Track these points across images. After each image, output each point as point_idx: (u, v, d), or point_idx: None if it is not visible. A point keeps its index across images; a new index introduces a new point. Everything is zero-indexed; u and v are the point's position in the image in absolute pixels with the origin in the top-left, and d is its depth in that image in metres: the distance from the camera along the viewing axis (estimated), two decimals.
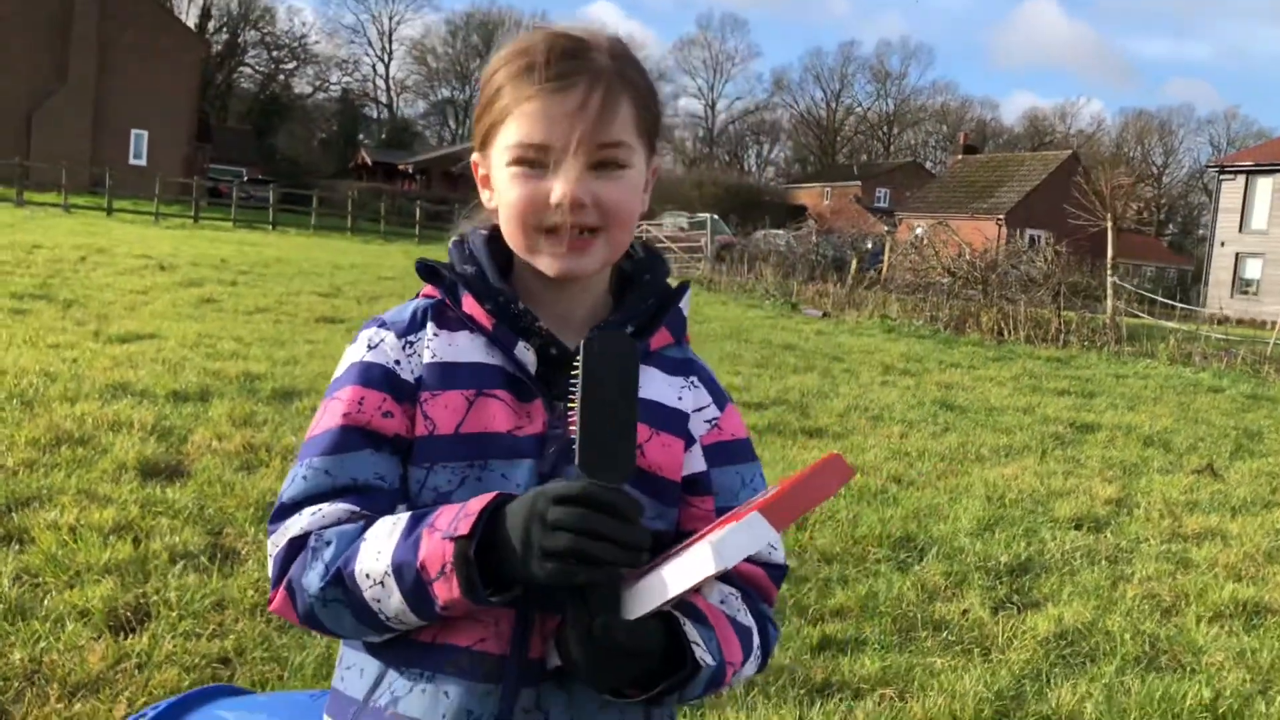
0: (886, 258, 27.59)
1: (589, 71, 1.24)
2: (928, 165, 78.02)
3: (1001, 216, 48.11)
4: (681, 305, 1.39)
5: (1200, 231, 62.22)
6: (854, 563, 4.96)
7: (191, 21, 65.13)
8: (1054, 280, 19.34)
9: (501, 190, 1.27)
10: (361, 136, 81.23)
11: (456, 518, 1.12)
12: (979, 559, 5.18)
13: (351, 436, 1.24)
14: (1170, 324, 19.70)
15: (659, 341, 1.36)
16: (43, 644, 3.30)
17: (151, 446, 5.57)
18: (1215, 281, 40.46)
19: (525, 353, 1.26)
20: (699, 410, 1.37)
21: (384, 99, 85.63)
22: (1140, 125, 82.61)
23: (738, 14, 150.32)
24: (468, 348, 1.28)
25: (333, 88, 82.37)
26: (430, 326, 1.30)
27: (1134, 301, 22.16)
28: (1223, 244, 41.26)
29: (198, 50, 49.60)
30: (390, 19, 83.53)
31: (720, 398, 1.41)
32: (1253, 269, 40.59)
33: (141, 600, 3.70)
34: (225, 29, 73.85)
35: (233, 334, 9.82)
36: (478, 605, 1.12)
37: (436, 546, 1.11)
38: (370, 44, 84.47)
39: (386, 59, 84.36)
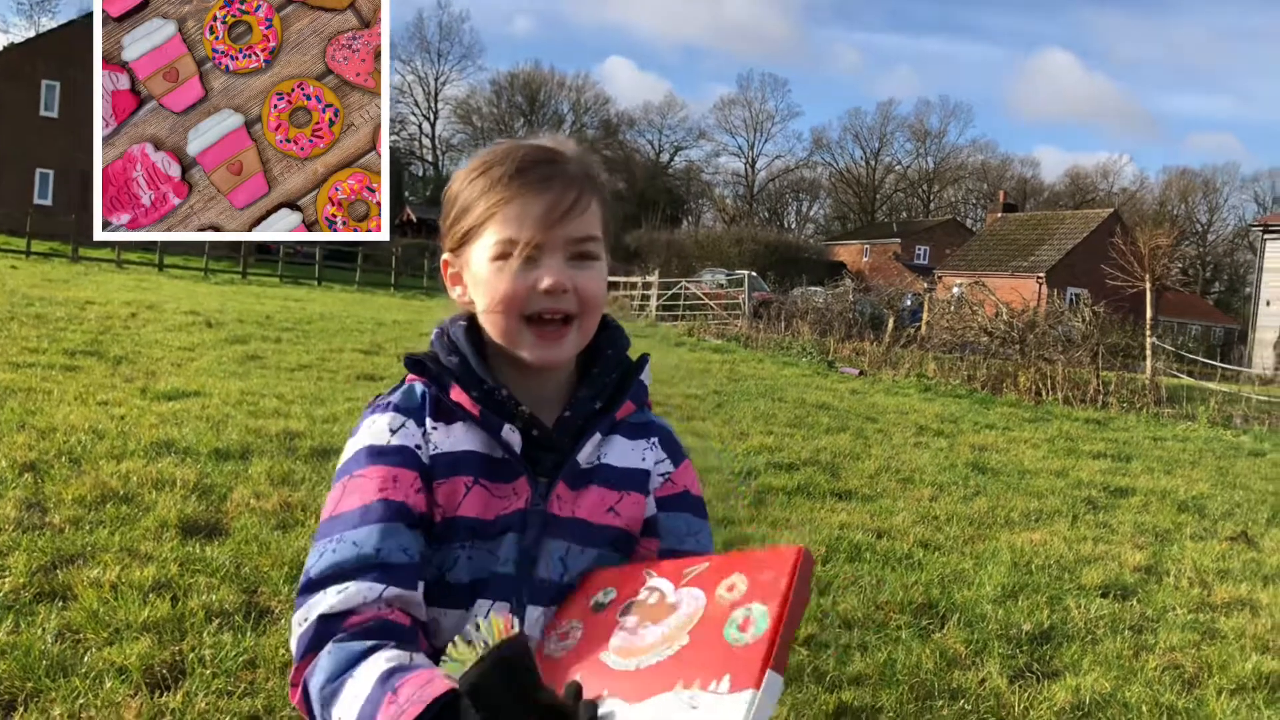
0: (925, 316, 27.57)
1: (562, 175, 1.41)
2: (968, 223, 77.88)
3: (1042, 274, 47.94)
4: (642, 377, 1.53)
5: (1247, 290, 61.47)
6: (875, 629, 5.00)
7: None
8: (1092, 340, 19.23)
9: (487, 283, 1.41)
10: (408, 194, 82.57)
11: (410, 699, 1.12)
12: (1000, 626, 5.21)
13: (385, 510, 1.32)
14: (1212, 385, 19.50)
15: (623, 412, 1.50)
16: (81, 700, 3.44)
17: (193, 505, 5.75)
18: (1261, 341, 39.87)
19: (511, 434, 1.40)
20: (656, 464, 1.52)
21: (430, 157, 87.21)
22: (1184, 183, 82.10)
23: (778, 73, 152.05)
24: (462, 436, 1.41)
25: None
26: (429, 420, 1.42)
27: (1174, 362, 21.93)
28: (1268, 303, 40.72)
29: None
30: (436, 79, 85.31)
31: (677, 455, 1.55)
32: None
33: (177, 658, 3.84)
34: None
35: (275, 391, 10.05)
36: None
37: (391, 717, 1.12)
38: (416, 104, 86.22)
39: (433, 118, 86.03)
